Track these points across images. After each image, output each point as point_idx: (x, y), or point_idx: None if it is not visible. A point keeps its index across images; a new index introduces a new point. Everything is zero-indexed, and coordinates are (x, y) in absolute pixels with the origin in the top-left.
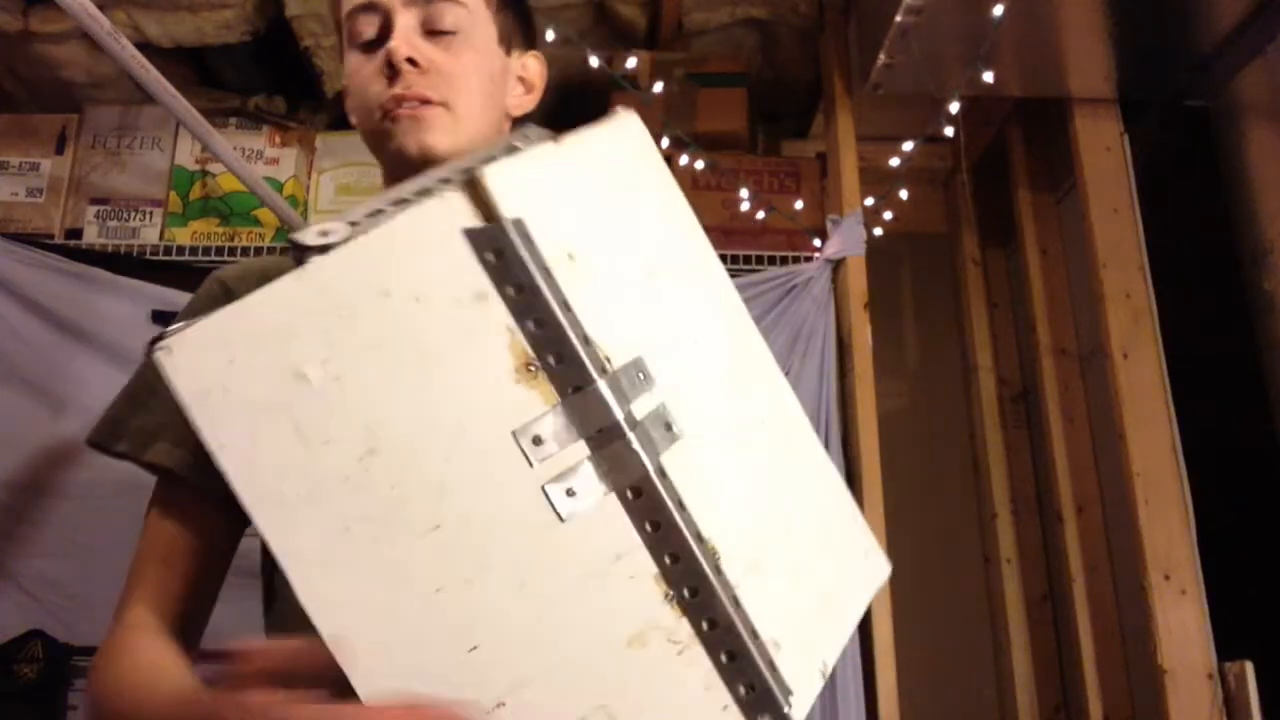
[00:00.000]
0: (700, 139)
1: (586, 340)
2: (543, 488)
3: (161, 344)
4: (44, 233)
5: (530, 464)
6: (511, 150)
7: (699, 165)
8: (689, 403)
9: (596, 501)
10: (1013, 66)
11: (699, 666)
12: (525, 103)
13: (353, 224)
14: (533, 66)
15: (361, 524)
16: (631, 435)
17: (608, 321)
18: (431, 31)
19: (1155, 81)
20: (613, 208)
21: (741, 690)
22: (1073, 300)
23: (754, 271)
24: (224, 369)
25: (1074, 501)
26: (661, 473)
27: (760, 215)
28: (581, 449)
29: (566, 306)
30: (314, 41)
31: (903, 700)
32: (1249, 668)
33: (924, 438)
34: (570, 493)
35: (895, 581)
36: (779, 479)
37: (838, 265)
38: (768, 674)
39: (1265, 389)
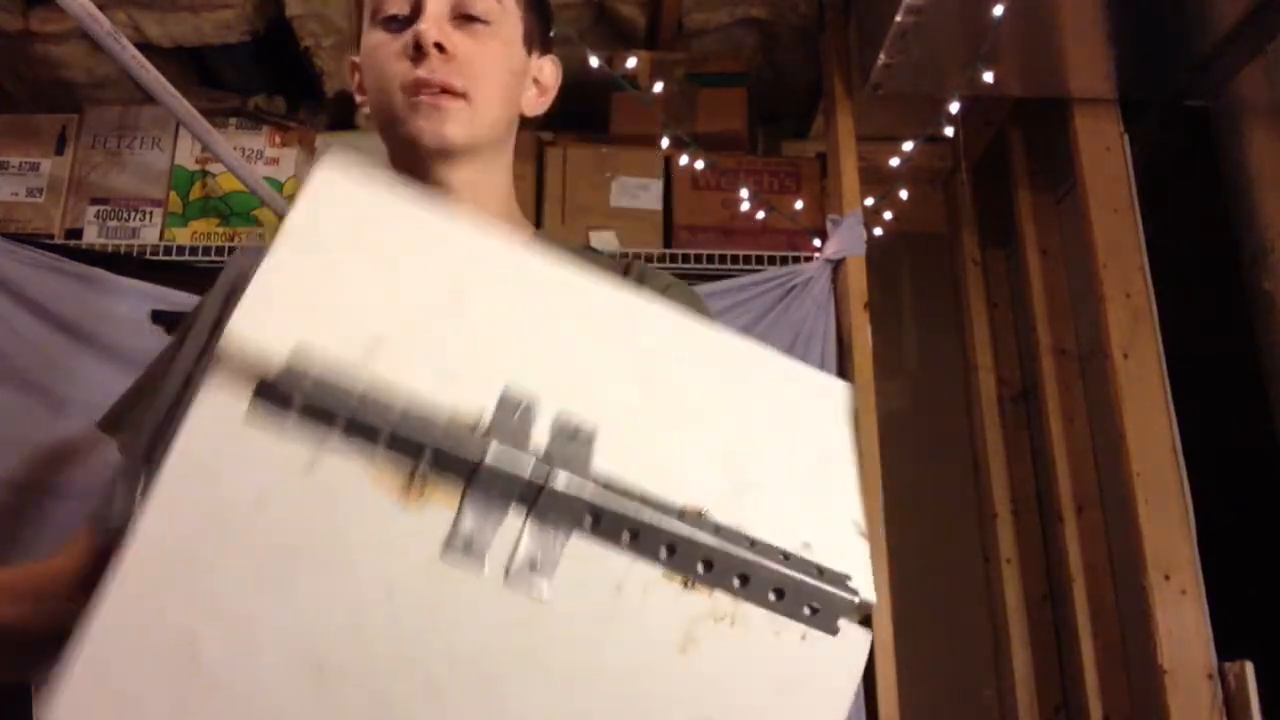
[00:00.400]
0: (700, 139)
1: (435, 421)
2: (505, 584)
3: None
4: (44, 233)
5: (481, 571)
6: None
7: (699, 165)
8: (583, 392)
9: (564, 555)
10: (1013, 66)
11: (757, 622)
12: (538, 105)
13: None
14: (549, 70)
15: None
16: (553, 474)
17: (451, 377)
18: (462, 17)
19: (1155, 81)
20: (372, 268)
21: (807, 612)
22: (1073, 300)
23: (754, 271)
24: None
25: (1074, 501)
26: (605, 484)
27: (760, 215)
28: (515, 520)
29: (390, 407)
30: (314, 41)
31: (902, 700)
32: (1249, 668)
33: (924, 438)
34: (534, 566)
35: (895, 581)
36: (703, 396)
37: (838, 265)
38: (819, 582)
39: (1265, 389)
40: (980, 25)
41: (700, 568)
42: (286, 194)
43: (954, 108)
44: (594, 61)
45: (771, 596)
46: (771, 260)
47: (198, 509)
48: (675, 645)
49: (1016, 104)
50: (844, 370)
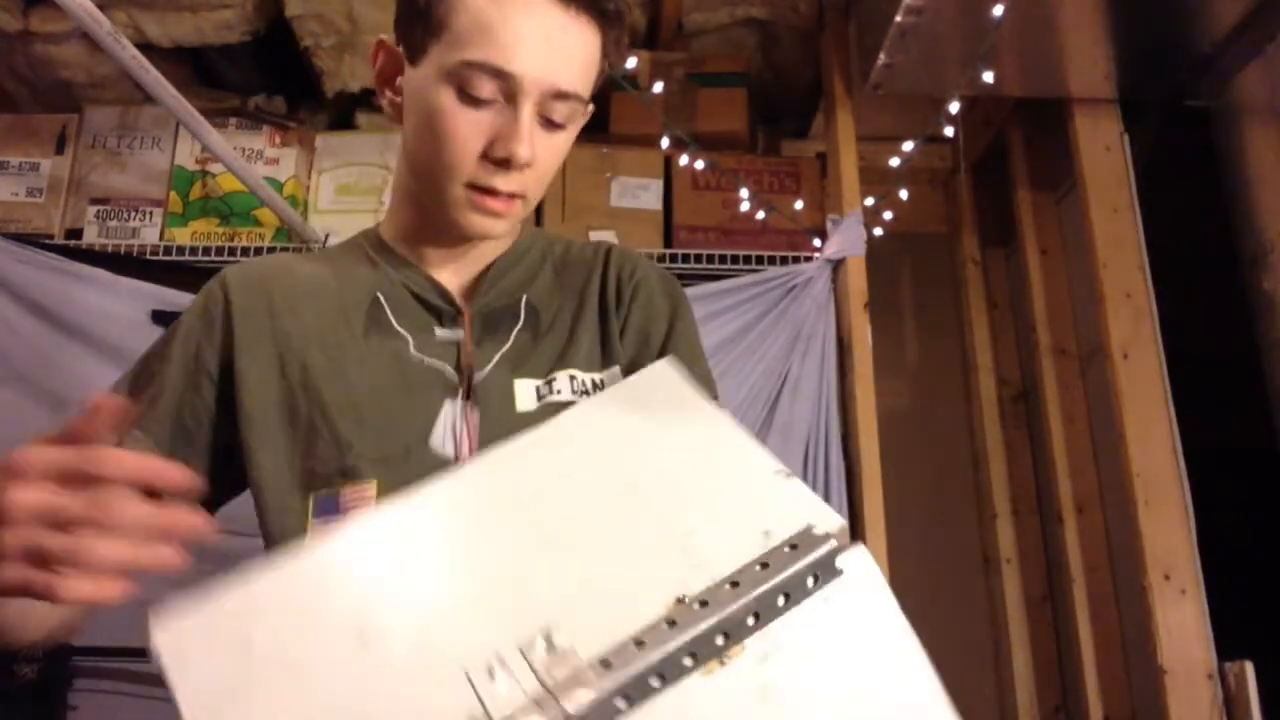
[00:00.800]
0: (700, 139)
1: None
2: None
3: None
4: (44, 233)
5: None
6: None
7: (699, 165)
8: (520, 608)
9: None
10: (1013, 66)
11: (789, 629)
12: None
13: None
14: (581, 122)
15: None
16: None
17: (439, 679)
18: (547, 121)
19: (1155, 81)
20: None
21: (812, 584)
22: (1073, 300)
23: (754, 271)
24: None
25: (1074, 501)
26: (605, 665)
27: (760, 215)
28: None
29: None
30: (314, 41)
31: None
32: (1249, 668)
33: (924, 438)
34: None
35: (895, 581)
36: (593, 517)
37: (838, 265)
38: (800, 559)
39: (1265, 389)
40: (980, 25)
41: (720, 640)
42: (287, 194)
43: (954, 108)
44: None
45: (781, 602)
46: (771, 260)
47: None
48: (756, 700)
49: (1016, 104)
50: (844, 370)
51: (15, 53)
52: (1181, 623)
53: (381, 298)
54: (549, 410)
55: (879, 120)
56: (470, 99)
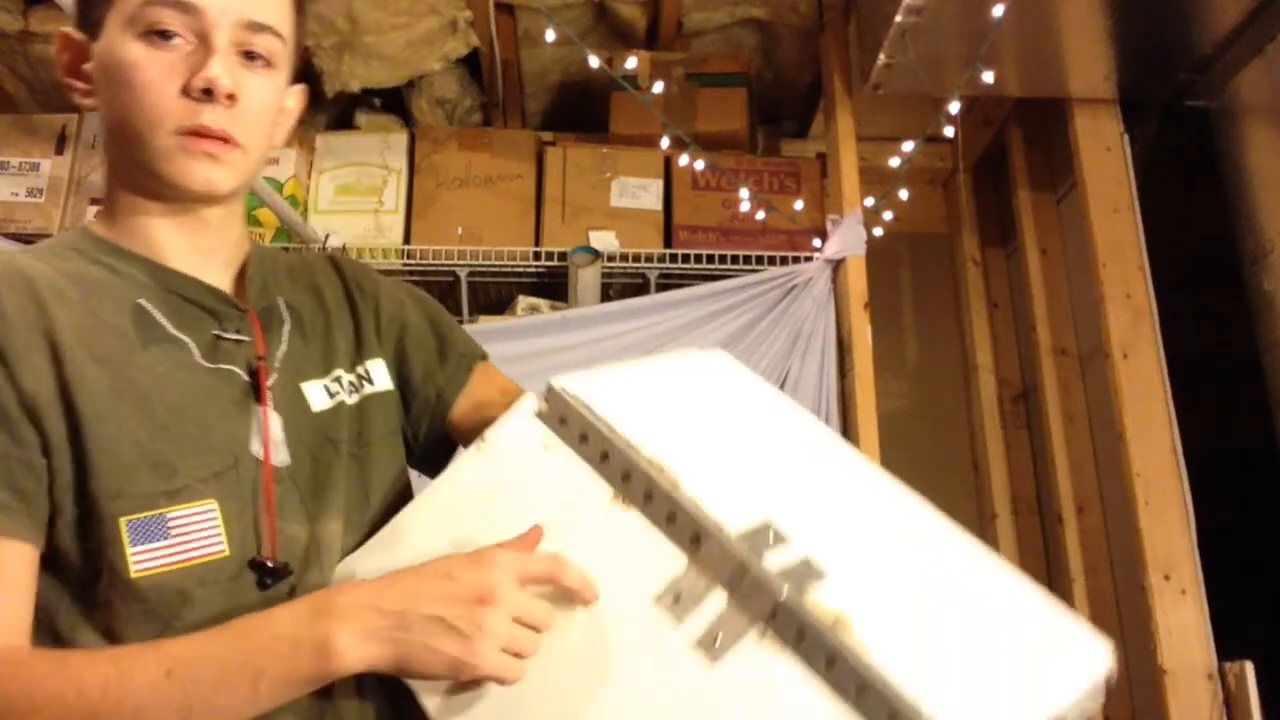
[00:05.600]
0: (700, 139)
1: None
2: (690, 644)
3: None
4: (44, 233)
5: (676, 623)
6: None
7: (699, 165)
8: (830, 548)
9: (742, 641)
10: (1013, 66)
11: None
12: (284, 137)
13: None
14: (297, 99)
15: None
16: (760, 567)
17: (724, 491)
18: (247, 54)
19: (1155, 81)
20: (690, 410)
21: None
22: (1073, 300)
23: (754, 271)
24: None
25: (1074, 501)
26: (797, 597)
27: (760, 215)
28: (719, 600)
29: (658, 467)
30: (314, 41)
31: None
32: (1249, 668)
33: (924, 438)
34: (713, 640)
35: None
36: (946, 592)
37: (838, 265)
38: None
39: (1265, 389)
40: (980, 25)
41: (855, 690)
42: (287, 194)
43: (954, 108)
44: (594, 61)
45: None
46: (771, 260)
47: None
48: None
49: (1016, 104)
50: (844, 370)
51: (15, 53)
52: (1181, 623)
53: (147, 305)
54: (343, 409)
55: (879, 120)
56: (158, 38)
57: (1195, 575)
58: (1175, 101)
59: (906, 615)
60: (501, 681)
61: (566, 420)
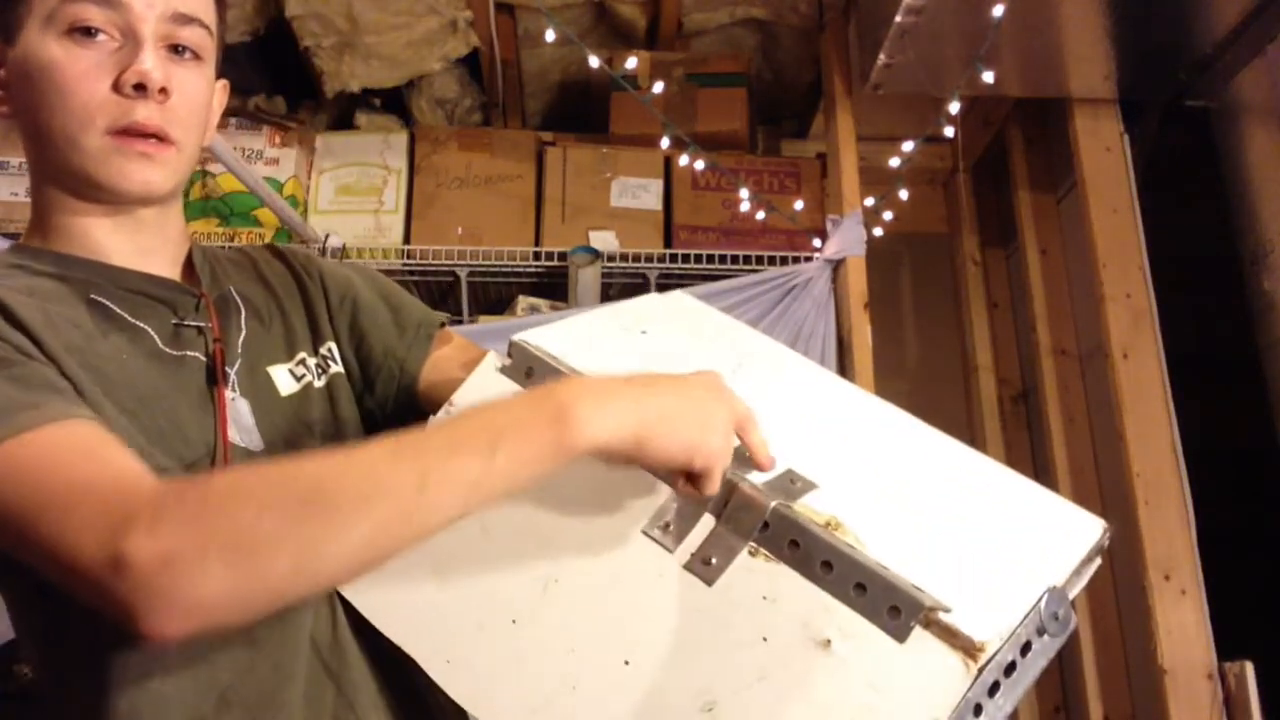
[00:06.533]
0: (700, 139)
1: None
2: (684, 567)
3: None
4: None
5: (669, 550)
6: None
7: (699, 165)
8: (813, 461)
9: (736, 558)
10: (1013, 66)
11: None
12: (211, 136)
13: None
14: (222, 96)
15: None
16: (747, 483)
17: None
18: (173, 48)
19: (1155, 81)
20: (653, 345)
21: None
22: (1073, 300)
23: (754, 271)
24: None
25: (1074, 501)
26: (786, 506)
27: (760, 215)
28: (709, 521)
29: None
30: (314, 41)
31: None
32: (1249, 668)
33: None
34: (707, 561)
35: None
36: (930, 488)
37: (838, 265)
38: (914, 593)
39: (1265, 389)
40: (980, 25)
41: (853, 591)
42: (287, 194)
43: (954, 108)
44: (594, 61)
45: (888, 615)
46: (771, 260)
47: None
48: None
49: (1016, 104)
50: (844, 370)
51: None
52: (1181, 623)
53: (101, 299)
54: (312, 391)
55: (879, 120)
56: (81, 36)
57: (1195, 575)
58: (1175, 101)
59: (898, 513)
60: (709, 480)
61: (532, 371)
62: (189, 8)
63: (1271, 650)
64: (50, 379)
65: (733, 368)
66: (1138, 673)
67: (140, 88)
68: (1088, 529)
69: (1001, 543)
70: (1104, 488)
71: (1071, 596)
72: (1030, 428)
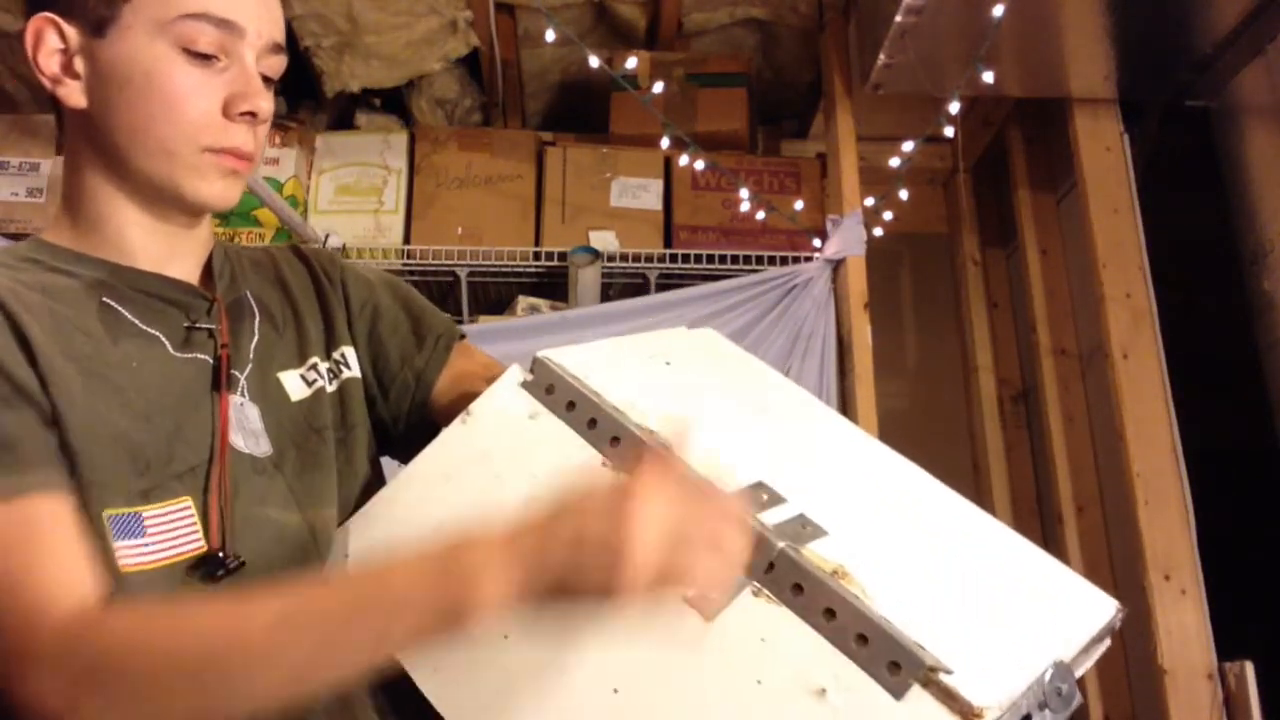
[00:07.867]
0: (700, 139)
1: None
2: (685, 599)
3: None
4: None
5: None
6: None
7: (699, 165)
8: (826, 508)
9: (738, 598)
10: (1013, 66)
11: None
12: None
13: None
14: None
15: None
16: (757, 522)
17: (715, 454)
18: (266, 79)
19: (1155, 81)
20: (683, 383)
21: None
22: (1073, 300)
23: (754, 271)
24: None
25: (1074, 501)
26: (794, 549)
27: (760, 215)
28: None
29: (646, 431)
30: (314, 41)
31: None
32: (1249, 668)
33: (924, 438)
34: (708, 597)
35: None
36: (942, 546)
37: (838, 265)
38: (916, 651)
39: (1265, 389)
40: (980, 25)
41: (854, 643)
42: (287, 194)
43: (954, 108)
44: (594, 61)
45: (887, 670)
46: (771, 260)
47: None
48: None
49: (1016, 104)
50: (844, 370)
51: (15, 53)
52: (1181, 623)
53: (112, 303)
54: (324, 396)
55: (879, 120)
56: (193, 55)
57: (1195, 575)
58: (1175, 101)
59: (907, 568)
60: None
61: (553, 389)
62: (281, 38)
63: (1271, 650)
64: (19, 437)
65: (754, 410)
66: (1137, 673)
67: (249, 115)
68: (1100, 607)
69: (1011, 611)
70: (1104, 488)
71: (1078, 674)
72: (1030, 428)
